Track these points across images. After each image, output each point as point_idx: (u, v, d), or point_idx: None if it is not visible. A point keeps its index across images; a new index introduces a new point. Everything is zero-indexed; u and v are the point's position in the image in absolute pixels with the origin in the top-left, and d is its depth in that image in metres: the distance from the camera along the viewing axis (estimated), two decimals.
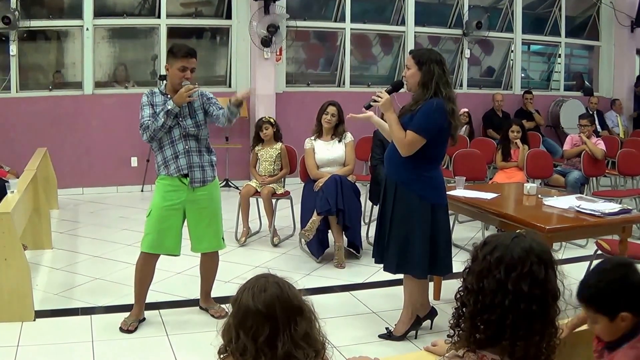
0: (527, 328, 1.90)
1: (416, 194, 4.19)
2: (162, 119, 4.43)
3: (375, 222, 6.97)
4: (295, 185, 7.53)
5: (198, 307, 4.98)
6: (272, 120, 7.15)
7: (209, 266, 4.92)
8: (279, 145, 7.02)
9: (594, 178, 8.14)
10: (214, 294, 5.02)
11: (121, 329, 4.52)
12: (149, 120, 4.47)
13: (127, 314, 4.65)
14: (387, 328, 4.56)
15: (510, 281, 1.90)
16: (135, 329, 4.55)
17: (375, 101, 4.26)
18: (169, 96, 4.53)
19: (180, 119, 4.52)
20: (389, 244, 4.30)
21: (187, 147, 4.55)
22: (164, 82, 4.68)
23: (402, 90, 4.45)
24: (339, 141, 6.52)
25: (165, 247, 4.64)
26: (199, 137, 4.61)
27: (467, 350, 1.96)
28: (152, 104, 4.54)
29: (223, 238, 4.88)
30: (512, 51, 12.11)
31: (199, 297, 5.01)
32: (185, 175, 4.58)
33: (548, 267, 1.95)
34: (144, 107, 4.54)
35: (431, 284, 4.92)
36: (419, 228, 4.20)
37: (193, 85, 4.46)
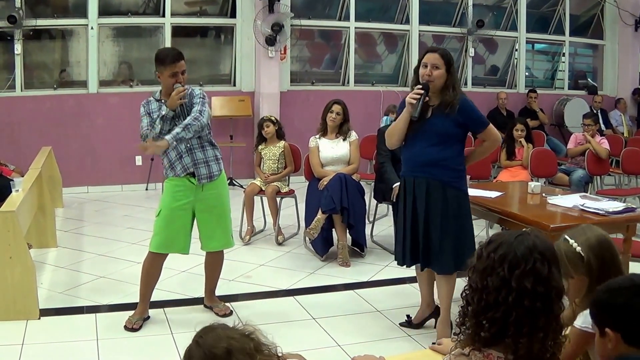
0: (531, 325, 1.90)
1: (462, 191, 4.24)
2: (159, 126, 4.45)
3: (377, 221, 7.12)
4: (299, 184, 7.53)
5: (202, 306, 4.99)
6: (273, 118, 7.16)
7: (214, 264, 4.92)
8: (281, 143, 7.03)
9: (598, 177, 8.13)
10: (218, 292, 5.03)
11: (126, 328, 4.52)
12: (148, 129, 4.49)
13: (132, 313, 4.65)
14: (407, 315, 4.60)
15: (513, 278, 1.91)
16: (140, 327, 4.56)
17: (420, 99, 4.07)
18: (163, 101, 4.54)
19: (176, 119, 4.51)
20: (442, 246, 4.16)
21: (189, 145, 4.54)
22: (159, 89, 4.68)
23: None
24: (344, 140, 6.51)
25: (174, 246, 4.66)
26: (199, 135, 4.59)
27: (473, 348, 1.97)
28: (149, 112, 4.56)
29: (232, 235, 4.90)
30: (516, 50, 12.09)
31: (203, 296, 5.01)
32: (192, 174, 4.58)
33: (551, 264, 1.95)
34: (142, 117, 4.56)
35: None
36: (469, 222, 4.26)
37: (183, 87, 4.45)
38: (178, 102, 4.44)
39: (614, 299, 1.96)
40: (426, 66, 4.09)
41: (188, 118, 4.44)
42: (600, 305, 2.00)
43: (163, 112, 4.44)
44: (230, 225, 4.88)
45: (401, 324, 4.62)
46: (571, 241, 2.57)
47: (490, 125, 4.28)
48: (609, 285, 2.02)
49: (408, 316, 4.62)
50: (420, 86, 4.08)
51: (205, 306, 4.97)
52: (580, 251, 2.53)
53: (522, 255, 1.93)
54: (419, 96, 4.03)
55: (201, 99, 4.58)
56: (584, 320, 2.32)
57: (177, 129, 4.38)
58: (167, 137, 4.33)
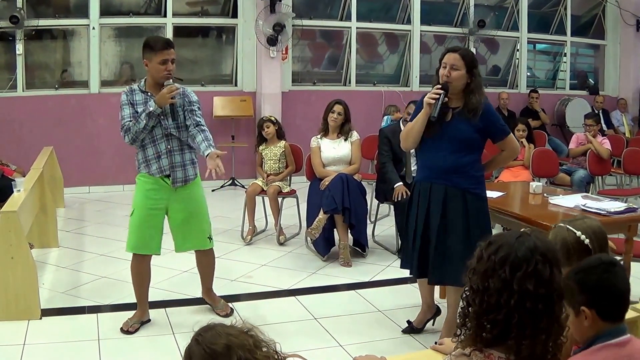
0: (533, 327, 1.90)
1: (482, 197, 4.14)
2: (144, 121, 4.32)
3: (378, 221, 7.12)
4: (301, 184, 7.54)
5: (203, 305, 4.97)
6: (272, 119, 7.16)
7: (203, 263, 4.86)
8: (282, 143, 7.03)
9: (600, 177, 8.13)
10: (220, 292, 5.02)
11: (122, 330, 4.48)
12: (130, 121, 4.36)
13: (133, 312, 4.64)
14: (408, 321, 4.56)
15: (515, 280, 1.90)
16: (137, 330, 4.52)
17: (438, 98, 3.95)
18: (149, 94, 4.43)
19: (162, 117, 4.40)
20: (464, 257, 4.00)
21: (169, 146, 4.44)
22: (144, 78, 4.56)
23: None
24: (345, 140, 6.51)
25: (149, 247, 4.55)
26: (181, 137, 4.48)
27: (474, 349, 1.97)
28: (132, 103, 4.43)
29: (210, 237, 4.77)
30: (517, 50, 12.09)
31: None
32: (168, 176, 4.49)
33: (553, 265, 1.95)
34: (124, 106, 4.42)
35: None
36: (489, 229, 4.16)
37: (175, 86, 4.35)
38: (169, 101, 4.32)
39: (587, 278, 2.02)
40: (445, 67, 3.98)
41: (203, 131, 4.39)
42: (575, 285, 2.04)
43: (151, 108, 4.31)
44: (207, 226, 4.75)
45: (403, 331, 4.53)
46: (578, 232, 2.57)
47: (511, 134, 4.18)
48: (580, 267, 2.09)
49: (409, 322, 4.56)
50: (439, 86, 3.96)
51: (206, 302, 4.96)
52: (589, 243, 2.54)
53: (524, 256, 1.92)
54: (437, 96, 3.91)
55: (198, 106, 4.53)
56: None
57: (210, 142, 4.34)
58: (213, 150, 4.28)
